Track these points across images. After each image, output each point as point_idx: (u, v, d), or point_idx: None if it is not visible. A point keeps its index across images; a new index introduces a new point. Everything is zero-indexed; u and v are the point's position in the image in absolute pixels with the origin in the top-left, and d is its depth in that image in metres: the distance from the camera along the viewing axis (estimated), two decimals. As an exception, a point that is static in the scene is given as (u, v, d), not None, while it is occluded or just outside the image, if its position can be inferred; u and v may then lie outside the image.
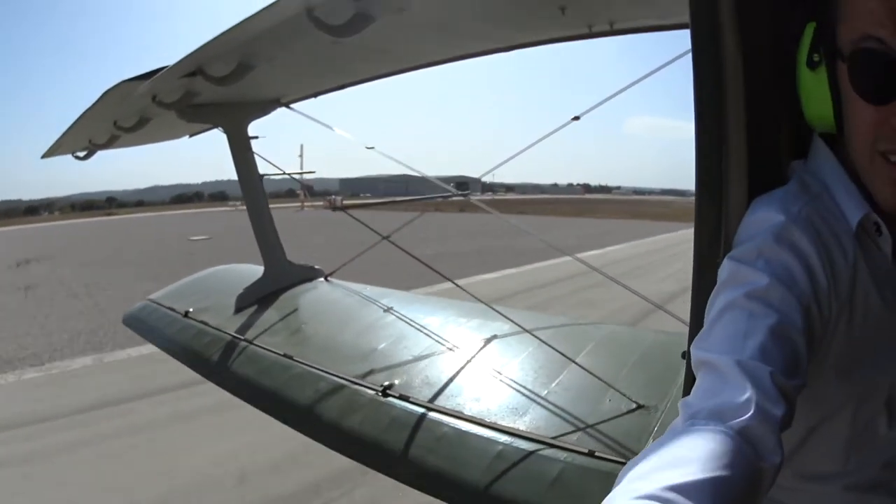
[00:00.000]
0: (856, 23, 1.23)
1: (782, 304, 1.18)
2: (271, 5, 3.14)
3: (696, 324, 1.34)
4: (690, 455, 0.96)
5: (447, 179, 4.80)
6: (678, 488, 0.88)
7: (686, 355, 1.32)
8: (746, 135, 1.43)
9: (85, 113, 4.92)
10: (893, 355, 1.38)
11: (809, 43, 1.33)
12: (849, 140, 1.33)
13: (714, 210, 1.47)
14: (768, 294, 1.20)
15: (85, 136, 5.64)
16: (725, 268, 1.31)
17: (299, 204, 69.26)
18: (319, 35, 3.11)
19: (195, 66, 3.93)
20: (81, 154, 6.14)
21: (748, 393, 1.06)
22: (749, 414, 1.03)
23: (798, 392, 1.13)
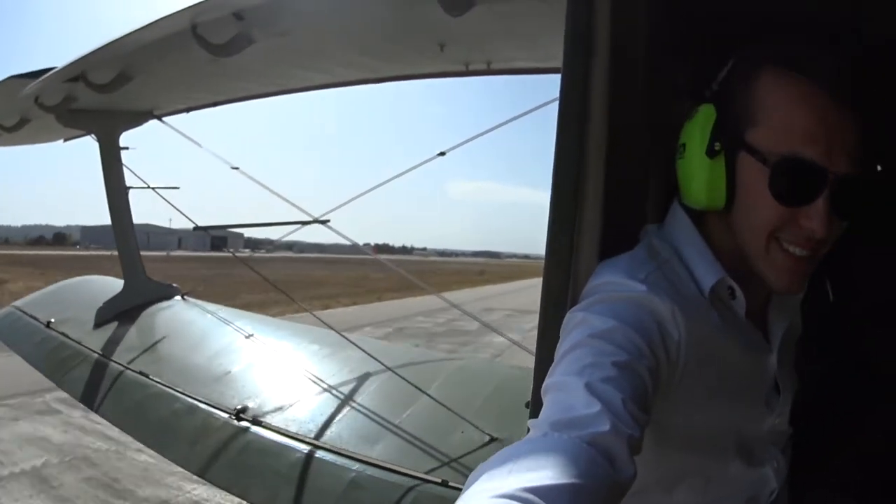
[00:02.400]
0: (783, 135, 1.26)
1: (627, 343, 1.19)
2: (160, 19, 3.14)
3: (540, 372, 1.33)
4: (546, 461, 0.94)
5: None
6: (536, 490, 0.86)
7: (529, 405, 1.34)
8: (604, 197, 1.49)
9: None
10: (742, 404, 1.46)
11: (710, 131, 1.35)
12: (741, 222, 1.35)
13: (562, 271, 1.50)
14: (613, 334, 1.20)
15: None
16: (569, 319, 1.32)
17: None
18: (199, 53, 3.11)
19: (79, 71, 3.88)
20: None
21: (599, 407, 1.05)
22: (602, 426, 1.02)
23: (646, 424, 1.12)
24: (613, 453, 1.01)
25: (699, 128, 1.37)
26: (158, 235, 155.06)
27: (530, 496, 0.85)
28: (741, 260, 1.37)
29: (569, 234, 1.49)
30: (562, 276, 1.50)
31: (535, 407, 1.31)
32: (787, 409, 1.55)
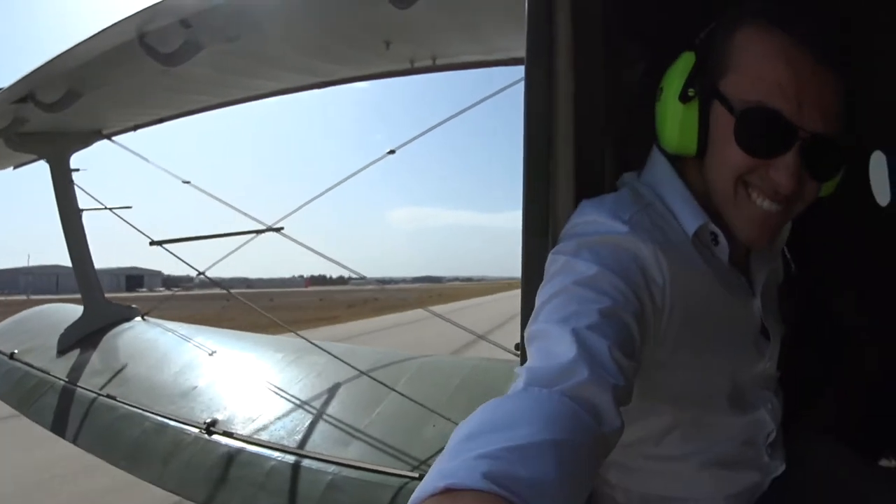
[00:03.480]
0: (752, 85, 1.27)
1: (612, 290, 1.18)
2: (105, 29, 3.11)
3: (526, 313, 1.31)
4: (528, 417, 0.92)
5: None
6: (518, 449, 0.84)
7: (519, 347, 1.32)
8: (574, 141, 1.50)
9: None
10: (732, 349, 1.47)
11: (685, 76, 1.37)
12: (711, 167, 1.37)
13: (540, 206, 1.51)
14: (597, 281, 1.19)
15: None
16: (552, 262, 1.31)
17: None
18: (149, 63, 3.09)
19: (27, 90, 3.83)
20: None
21: (583, 359, 1.03)
22: (585, 377, 1.00)
23: (634, 373, 1.11)
24: (597, 406, 1.00)
25: (678, 73, 1.39)
26: (69, 277, 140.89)
27: (513, 455, 0.83)
28: (721, 204, 1.37)
29: (544, 170, 1.50)
30: (541, 211, 1.50)
31: (524, 351, 1.25)
32: (777, 354, 1.57)
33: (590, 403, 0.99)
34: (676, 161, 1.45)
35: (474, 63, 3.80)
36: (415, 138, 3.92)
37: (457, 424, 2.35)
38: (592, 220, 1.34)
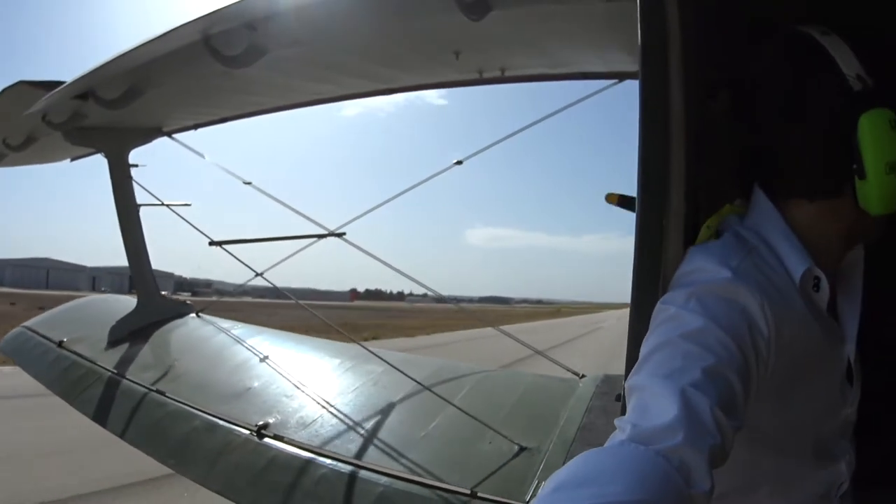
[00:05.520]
0: None
1: (718, 345, 1.18)
2: (171, 31, 3.11)
3: (632, 359, 1.31)
4: (620, 473, 0.94)
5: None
6: None
7: (619, 398, 1.31)
8: (685, 185, 1.46)
9: None
10: (823, 397, 1.45)
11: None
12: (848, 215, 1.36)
13: (652, 256, 1.47)
14: (704, 335, 1.19)
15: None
16: (660, 311, 1.31)
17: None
18: (212, 64, 3.09)
19: (87, 87, 3.84)
20: (-30, 170, 5.91)
21: (683, 420, 1.04)
22: (681, 438, 1.02)
23: (734, 432, 1.12)
24: (690, 467, 1.00)
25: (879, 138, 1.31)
26: (61, 272, 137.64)
27: None
28: (826, 251, 1.37)
29: (658, 221, 1.46)
30: (652, 261, 1.47)
31: (624, 402, 1.25)
32: (857, 399, 1.54)
33: (684, 465, 1.00)
34: (780, 202, 1.43)
35: (541, 76, 3.77)
36: (483, 150, 3.89)
37: (513, 442, 2.38)
38: (700, 267, 1.34)
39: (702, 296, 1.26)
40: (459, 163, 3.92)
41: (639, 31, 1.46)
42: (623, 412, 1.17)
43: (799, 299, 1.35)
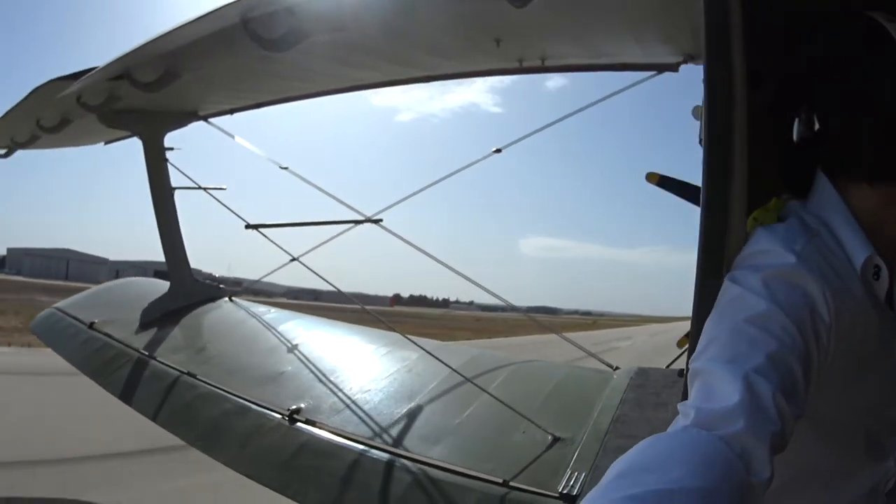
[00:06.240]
0: None
1: (781, 331, 1.17)
2: (210, 13, 3.11)
3: (696, 339, 1.32)
4: (683, 459, 0.95)
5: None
6: (666, 494, 0.88)
7: (682, 373, 1.31)
8: (748, 167, 1.47)
9: (11, 110, 4.81)
10: (877, 390, 1.43)
11: None
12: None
13: (718, 231, 1.48)
14: (768, 320, 1.19)
15: (7, 134, 5.48)
16: (727, 289, 1.31)
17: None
18: (251, 48, 3.09)
19: (123, 69, 3.84)
20: (2, 152, 5.93)
21: (746, 406, 1.04)
22: (744, 425, 1.02)
23: (794, 420, 1.12)
24: (752, 456, 1.01)
25: None
26: (81, 264, 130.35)
27: (659, 500, 0.88)
28: (886, 238, 1.35)
29: (723, 204, 1.48)
30: (716, 245, 1.48)
31: (686, 384, 1.26)
32: None
33: (745, 452, 1.00)
34: (842, 186, 1.40)
35: (581, 66, 3.75)
36: (521, 139, 3.84)
37: (547, 432, 2.36)
38: (766, 249, 1.33)
39: (767, 279, 1.26)
40: (498, 151, 3.91)
41: (703, 17, 1.44)
42: (685, 396, 1.18)
43: (859, 286, 1.34)
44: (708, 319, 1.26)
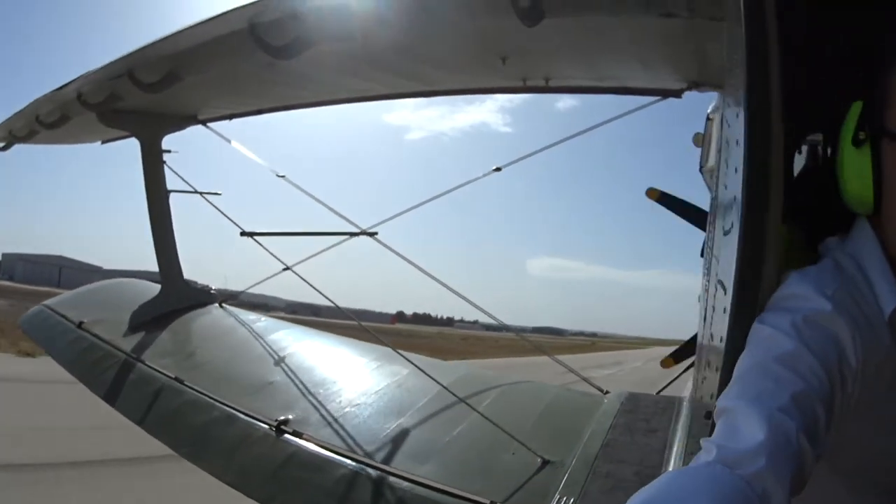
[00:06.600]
0: None
1: (808, 372, 1.17)
2: (216, 16, 3.10)
3: (725, 379, 1.32)
4: (700, 496, 0.96)
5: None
6: None
7: (709, 416, 1.30)
8: (783, 204, 1.42)
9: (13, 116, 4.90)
10: (894, 435, 1.40)
11: (856, 121, 1.35)
12: (888, 220, 1.34)
13: (753, 277, 1.42)
14: (797, 360, 1.19)
15: (6, 128, 5.45)
16: (756, 331, 1.30)
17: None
18: (256, 54, 3.08)
19: (126, 68, 3.83)
20: (1, 144, 5.91)
21: (768, 446, 1.04)
22: (765, 465, 1.02)
23: (815, 461, 1.11)
24: (771, 496, 1.01)
25: (850, 121, 1.36)
26: (75, 271, 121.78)
27: None
28: None
29: (760, 241, 1.43)
30: (752, 282, 1.43)
31: (713, 422, 1.24)
32: None
33: (766, 494, 1.00)
34: (877, 225, 1.39)
35: (585, 88, 3.78)
36: (522, 158, 3.87)
37: (536, 454, 2.35)
38: (797, 293, 1.33)
39: (797, 321, 1.25)
40: (498, 169, 3.92)
41: (743, 38, 1.43)
42: (711, 432, 1.17)
43: (887, 333, 1.32)
44: (739, 358, 1.26)
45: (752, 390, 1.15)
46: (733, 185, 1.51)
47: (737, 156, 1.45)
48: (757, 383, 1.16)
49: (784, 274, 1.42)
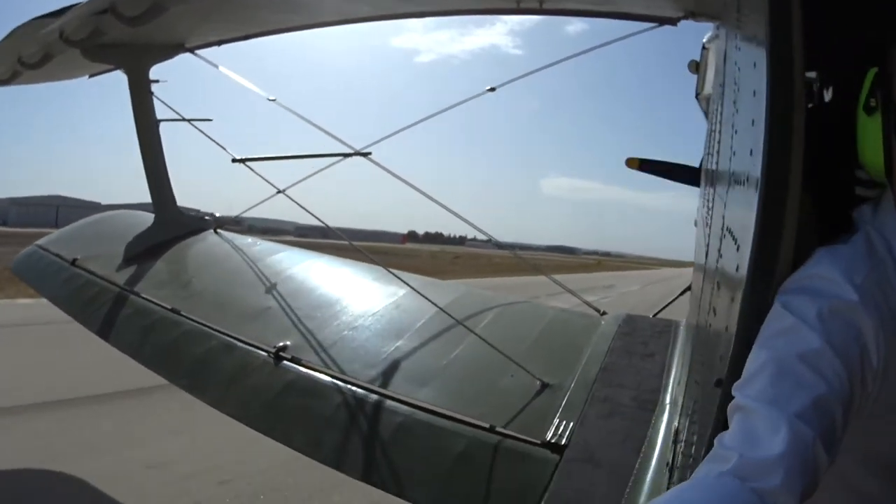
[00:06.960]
0: None
1: (831, 374, 1.16)
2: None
3: (738, 354, 1.28)
4: None
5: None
6: None
7: (720, 383, 1.29)
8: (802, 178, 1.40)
9: None
10: None
11: (868, 88, 1.33)
12: None
13: (770, 253, 1.33)
14: (819, 360, 1.17)
15: (-12, 71, 5.30)
16: (780, 316, 1.25)
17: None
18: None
19: (109, 3, 3.74)
20: (-17, 89, 5.82)
21: (785, 457, 1.05)
22: (780, 482, 1.03)
23: (827, 467, 1.11)
24: None
25: (865, 88, 1.34)
26: (73, 209, 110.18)
27: None
28: None
29: (779, 215, 1.39)
30: (769, 260, 1.39)
31: (720, 410, 1.25)
32: None
33: None
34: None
35: (580, 11, 3.71)
36: (518, 78, 3.84)
37: (535, 377, 2.34)
38: (825, 275, 1.28)
39: (824, 313, 1.22)
40: (493, 89, 3.87)
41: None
42: (726, 426, 1.16)
43: None
44: (756, 343, 1.23)
45: (772, 390, 1.13)
46: (746, 136, 1.43)
47: (754, 107, 1.40)
48: (777, 383, 1.14)
49: (813, 250, 1.37)
